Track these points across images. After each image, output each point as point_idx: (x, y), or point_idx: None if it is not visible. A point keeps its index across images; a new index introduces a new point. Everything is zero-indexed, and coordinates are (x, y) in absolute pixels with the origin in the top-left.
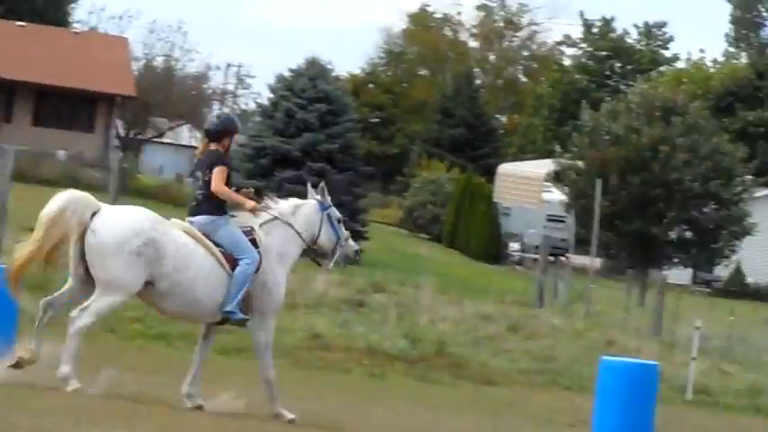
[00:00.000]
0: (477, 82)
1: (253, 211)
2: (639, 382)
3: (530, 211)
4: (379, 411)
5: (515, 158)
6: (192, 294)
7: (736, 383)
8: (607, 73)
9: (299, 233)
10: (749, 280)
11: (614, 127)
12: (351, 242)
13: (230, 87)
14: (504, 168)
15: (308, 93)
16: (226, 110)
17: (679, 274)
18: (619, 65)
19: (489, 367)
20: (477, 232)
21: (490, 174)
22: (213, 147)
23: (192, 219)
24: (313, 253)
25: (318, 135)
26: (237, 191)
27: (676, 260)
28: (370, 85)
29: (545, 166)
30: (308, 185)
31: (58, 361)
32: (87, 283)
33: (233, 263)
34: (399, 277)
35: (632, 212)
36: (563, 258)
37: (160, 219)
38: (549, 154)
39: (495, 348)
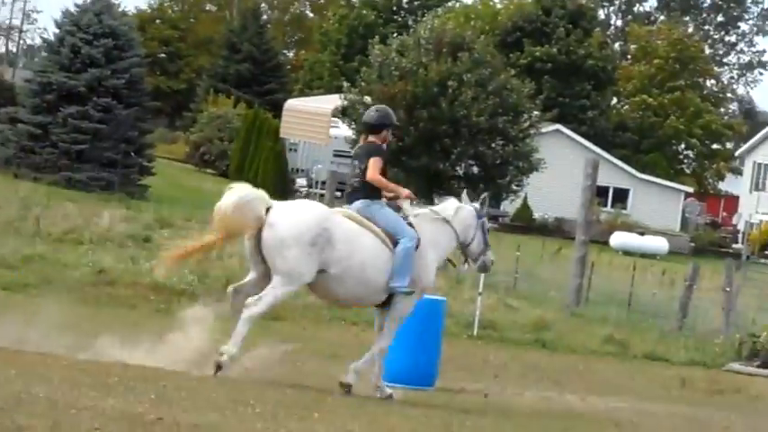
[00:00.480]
0: (264, 17)
1: (408, 198)
2: (426, 317)
3: (317, 147)
4: (167, 347)
5: (302, 94)
6: (362, 276)
7: (521, 318)
8: (394, 8)
9: (455, 231)
10: (536, 215)
11: (403, 62)
12: (490, 253)
13: (16, 22)
14: (291, 104)
15: (93, 28)
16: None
17: None
18: (406, 0)
19: None
20: (263, 168)
21: (277, 109)
22: (372, 138)
23: (350, 206)
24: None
25: (104, 70)
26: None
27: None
28: (157, 21)
29: (332, 101)
30: (464, 193)
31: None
32: (268, 274)
33: (394, 242)
34: (186, 213)
35: (420, 148)
36: None
37: (328, 209)
38: (336, 90)
39: None
